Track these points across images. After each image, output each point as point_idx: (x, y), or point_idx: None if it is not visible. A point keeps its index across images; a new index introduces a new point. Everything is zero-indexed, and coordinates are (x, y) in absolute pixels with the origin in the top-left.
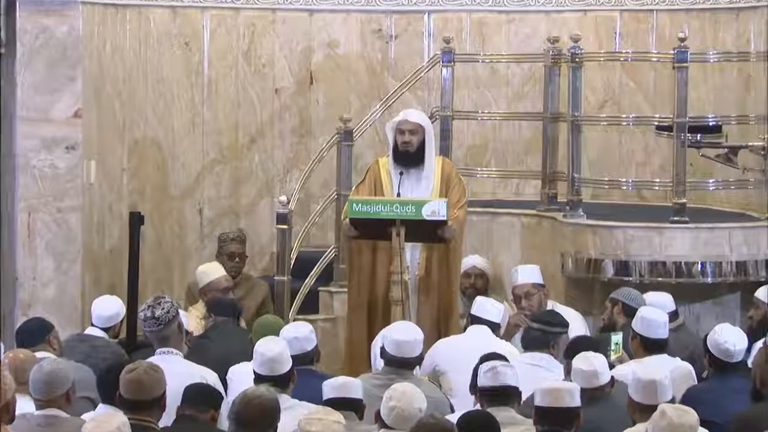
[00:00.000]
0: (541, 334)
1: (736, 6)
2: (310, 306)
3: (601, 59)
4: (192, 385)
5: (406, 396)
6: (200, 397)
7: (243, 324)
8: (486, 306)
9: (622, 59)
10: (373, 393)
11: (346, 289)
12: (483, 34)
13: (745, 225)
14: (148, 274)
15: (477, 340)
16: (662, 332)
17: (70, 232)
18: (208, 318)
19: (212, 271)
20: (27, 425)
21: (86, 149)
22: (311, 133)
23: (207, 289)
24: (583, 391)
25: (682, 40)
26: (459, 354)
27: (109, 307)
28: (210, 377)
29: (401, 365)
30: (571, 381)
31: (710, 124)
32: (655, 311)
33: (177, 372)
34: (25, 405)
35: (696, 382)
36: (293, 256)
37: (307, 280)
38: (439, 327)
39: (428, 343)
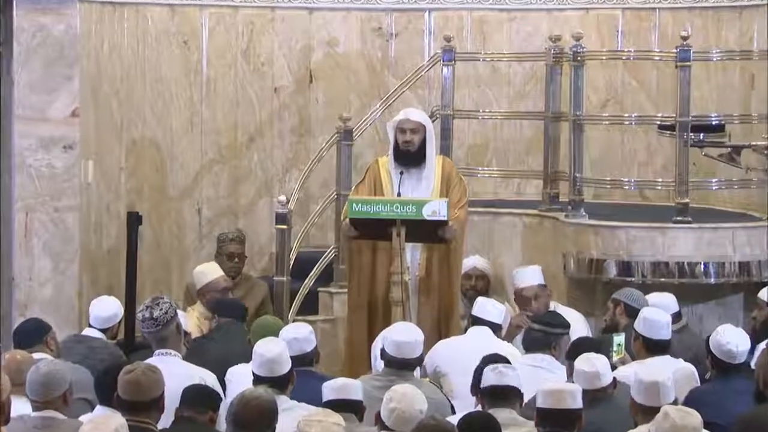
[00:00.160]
0: (542, 335)
1: (739, 4)
2: (309, 307)
3: (603, 58)
4: (191, 386)
5: (407, 397)
6: (199, 399)
7: None
8: (487, 307)
9: (624, 58)
10: (373, 394)
11: (345, 290)
12: (484, 33)
13: (749, 225)
14: (146, 275)
15: (478, 342)
16: (665, 333)
17: (67, 232)
18: (212, 318)
19: (210, 272)
20: (23, 427)
21: (84, 149)
22: (311, 132)
23: (205, 290)
24: (585, 392)
25: (685, 38)
26: (460, 355)
27: (107, 307)
28: (209, 378)
29: (401, 366)
30: (573, 382)
31: (713, 123)
32: (657, 312)
33: (175, 373)
34: (21, 406)
35: (699, 384)
36: (293, 256)
37: (306, 281)
38: (439, 328)
39: (429, 344)
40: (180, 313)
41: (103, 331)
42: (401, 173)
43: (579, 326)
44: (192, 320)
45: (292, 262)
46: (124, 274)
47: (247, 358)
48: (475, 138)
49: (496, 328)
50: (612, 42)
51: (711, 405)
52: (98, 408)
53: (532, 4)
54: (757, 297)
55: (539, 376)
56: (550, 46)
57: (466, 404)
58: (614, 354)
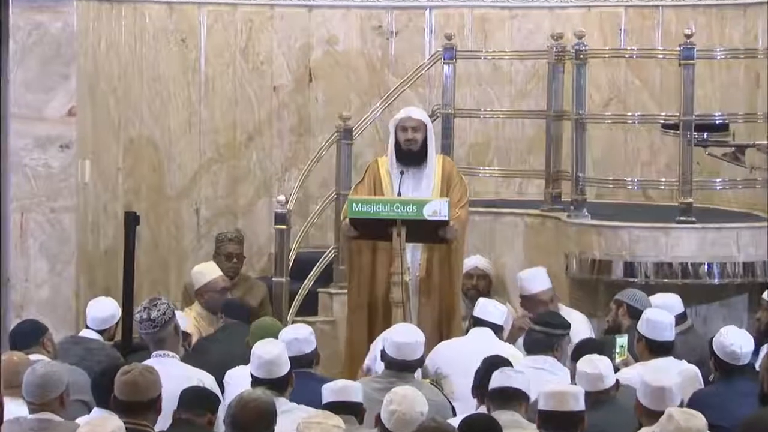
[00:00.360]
0: (544, 336)
1: (744, 2)
2: (309, 308)
3: (606, 56)
4: (189, 388)
5: (407, 399)
6: (197, 401)
7: None
8: (488, 308)
9: (627, 56)
10: (373, 396)
11: (345, 291)
12: (485, 31)
13: (753, 225)
14: (143, 275)
15: (479, 343)
16: (668, 334)
17: (63, 233)
18: (219, 318)
19: (209, 272)
20: (20, 429)
21: (80, 148)
22: (310, 131)
23: (204, 290)
24: (587, 394)
25: (689, 36)
26: (461, 357)
27: (104, 308)
28: (207, 380)
29: (402, 368)
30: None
31: (717, 122)
32: (660, 313)
33: (173, 375)
34: (17, 408)
35: (702, 386)
36: (292, 256)
37: (306, 282)
38: (440, 329)
39: (429, 345)
40: (179, 314)
41: (100, 332)
42: (401, 173)
43: (582, 327)
44: (189, 320)
45: (291, 263)
46: (122, 274)
47: (247, 360)
48: (477, 137)
49: (497, 329)
50: (615, 40)
51: (715, 407)
52: (95, 410)
53: (534, 1)
54: (762, 298)
55: (541, 378)
56: (552, 44)
57: (467, 406)
58: (617, 355)
